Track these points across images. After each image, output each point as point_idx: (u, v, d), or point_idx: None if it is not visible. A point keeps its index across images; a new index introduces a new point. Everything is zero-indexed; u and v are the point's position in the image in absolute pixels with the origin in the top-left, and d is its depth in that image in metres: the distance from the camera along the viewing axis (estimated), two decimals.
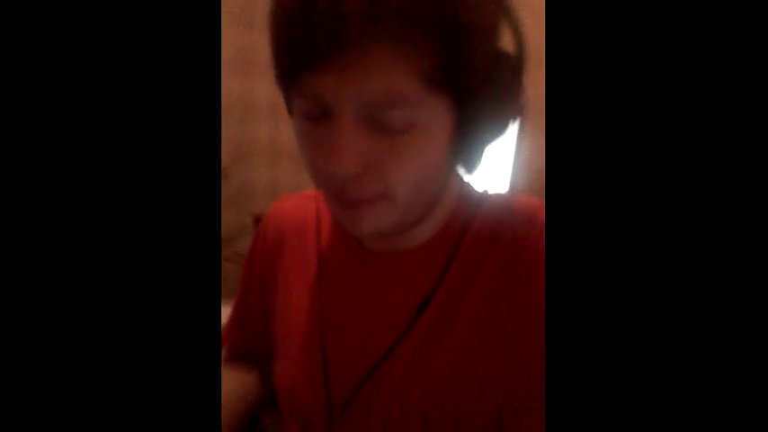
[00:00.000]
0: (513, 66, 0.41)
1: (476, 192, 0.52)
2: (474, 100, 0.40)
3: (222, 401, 0.61)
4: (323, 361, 0.51)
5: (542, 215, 0.47)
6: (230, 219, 1.85)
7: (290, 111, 0.46)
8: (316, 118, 0.39)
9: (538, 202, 0.50)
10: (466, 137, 0.42)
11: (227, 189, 1.88)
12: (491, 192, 0.52)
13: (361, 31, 0.34)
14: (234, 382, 0.64)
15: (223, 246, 1.71)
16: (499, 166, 1.37)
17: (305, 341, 0.53)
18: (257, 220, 1.59)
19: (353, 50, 0.35)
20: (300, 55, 0.36)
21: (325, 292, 0.53)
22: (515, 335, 0.45)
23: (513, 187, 1.40)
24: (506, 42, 0.42)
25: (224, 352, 0.68)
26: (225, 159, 1.86)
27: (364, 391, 0.48)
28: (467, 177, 0.49)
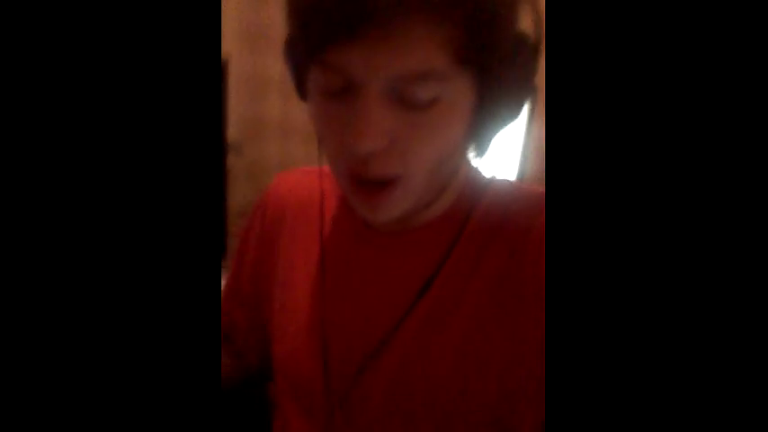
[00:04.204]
0: (532, 48, 0.41)
1: (483, 176, 0.52)
2: (494, 79, 0.40)
3: None
4: (323, 343, 0.51)
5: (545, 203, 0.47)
6: (243, 194, 1.87)
7: (302, 93, 0.46)
8: (336, 94, 0.39)
9: (543, 190, 0.49)
10: (483, 117, 0.42)
11: (239, 165, 1.89)
12: (498, 178, 0.52)
13: (393, 3, 0.34)
14: None
15: (234, 221, 1.73)
16: (508, 152, 1.36)
17: (306, 321, 0.53)
18: None
19: (385, 24, 0.34)
20: (329, 27, 0.35)
21: (327, 271, 0.53)
22: (517, 321, 0.45)
23: (522, 172, 1.39)
24: (525, 25, 0.42)
25: None
26: (237, 136, 1.87)
27: (365, 374, 0.48)
28: (475, 162, 0.49)
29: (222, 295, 0.65)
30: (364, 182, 0.41)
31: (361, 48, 0.35)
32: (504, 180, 0.52)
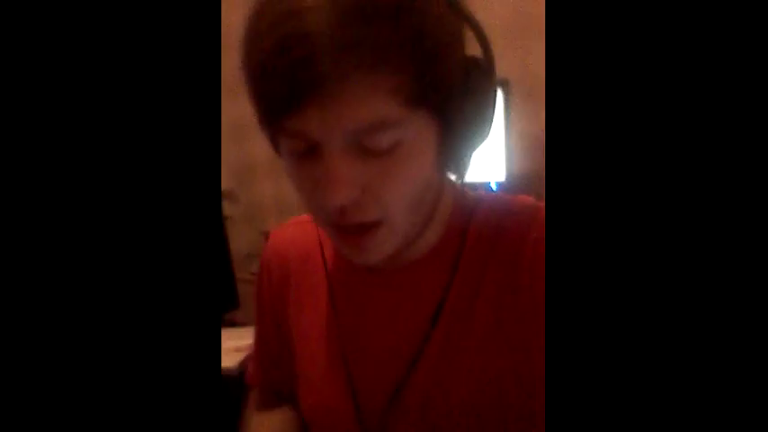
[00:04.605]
0: (483, 68, 0.42)
1: (470, 194, 0.53)
2: (452, 109, 0.41)
3: None
4: (349, 384, 0.52)
5: (541, 213, 0.48)
6: (243, 239, 1.88)
7: (278, 151, 0.48)
8: (304, 154, 0.41)
9: (534, 201, 0.51)
10: (452, 145, 0.43)
11: (236, 211, 1.91)
12: (485, 194, 0.53)
13: (336, 66, 0.35)
14: (282, 426, 0.63)
15: (240, 266, 1.74)
16: (492, 153, 1.38)
17: (328, 367, 0.54)
18: (267, 236, 1.62)
19: (331, 86, 0.36)
20: (281, 100, 0.37)
21: (339, 315, 0.54)
22: (526, 332, 0.46)
23: (509, 171, 1.40)
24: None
25: (256, 393, 0.68)
26: (230, 182, 1.89)
27: (395, 407, 0.50)
28: (459, 181, 0.50)
29: (257, 357, 0.66)
30: (346, 229, 0.43)
31: (313, 112, 0.37)
32: (492, 195, 0.53)
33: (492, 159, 1.34)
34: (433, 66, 0.38)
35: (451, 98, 0.41)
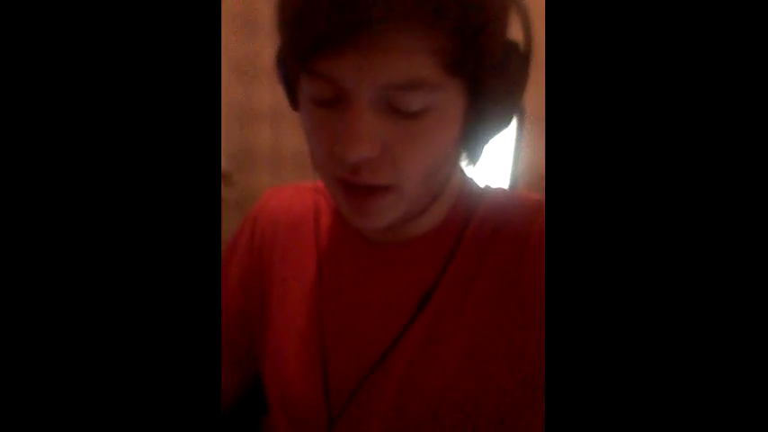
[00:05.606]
0: (522, 57, 0.41)
1: (477, 186, 0.52)
2: (485, 87, 0.40)
3: None
4: (322, 359, 0.50)
5: (545, 209, 0.47)
6: (233, 222, 1.86)
7: (293, 102, 0.46)
8: (327, 103, 0.39)
9: (540, 196, 0.50)
10: (474, 125, 0.42)
11: (231, 195, 1.88)
12: (492, 186, 0.52)
13: (384, 13, 0.34)
14: None
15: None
16: (499, 167, 1.37)
17: (302, 339, 0.52)
18: None
19: (375, 33, 0.34)
20: (320, 36, 0.35)
21: (324, 287, 0.52)
22: (518, 328, 0.45)
23: (513, 187, 1.40)
24: (515, 35, 0.42)
25: None
26: (229, 166, 1.87)
27: (365, 389, 0.48)
28: (469, 171, 0.49)
29: None
30: (355, 187, 0.41)
31: (350, 57, 0.35)
32: (499, 188, 0.52)
33: (499, 170, 1.34)
34: (478, 36, 0.37)
35: (486, 75, 0.40)
